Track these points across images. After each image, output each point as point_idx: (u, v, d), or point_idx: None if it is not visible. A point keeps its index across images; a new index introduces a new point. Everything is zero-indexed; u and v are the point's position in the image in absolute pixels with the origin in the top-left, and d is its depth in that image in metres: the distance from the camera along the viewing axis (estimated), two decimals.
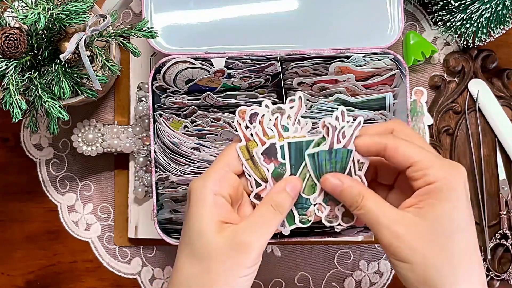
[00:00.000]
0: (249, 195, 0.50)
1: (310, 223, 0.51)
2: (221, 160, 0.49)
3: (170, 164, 0.62)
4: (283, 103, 0.63)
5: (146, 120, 0.68)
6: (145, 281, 0.72)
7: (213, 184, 0.47)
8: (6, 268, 0.72)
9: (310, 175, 0.50)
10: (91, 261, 0.72)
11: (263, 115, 0.49)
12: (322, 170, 0.49)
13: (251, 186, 0.50)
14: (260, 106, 0.50)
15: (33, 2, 0.53)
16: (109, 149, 0.68)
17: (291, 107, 0.50)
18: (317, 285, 0.73)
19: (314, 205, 0.50)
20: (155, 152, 0.62)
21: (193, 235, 0.47)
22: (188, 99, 0.63)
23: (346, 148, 0.49)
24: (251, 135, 0.49)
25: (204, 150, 0.62)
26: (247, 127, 0.50)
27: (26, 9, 0.51)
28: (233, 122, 0.62)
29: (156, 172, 0.62)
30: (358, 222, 0.51)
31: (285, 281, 0.73)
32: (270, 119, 0.50)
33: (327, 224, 0.51)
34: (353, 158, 0.49)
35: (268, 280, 0.73)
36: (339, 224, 0.51)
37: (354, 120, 0.48)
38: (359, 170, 0.49)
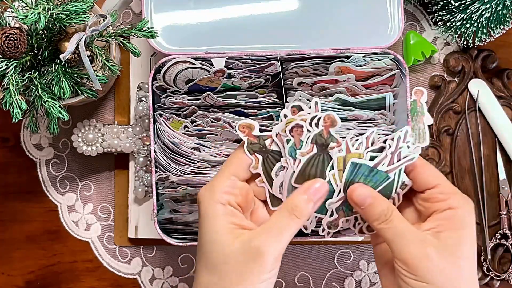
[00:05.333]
0: (260, 199, 0.50)
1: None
2: (228, 169, 0.49)
3: (170, 164, 0.62)
4: (283, 103, 0.63)
5: (146, 120, 0.68)
6: (145, 281, 0.72)
7: (221, 195, 0.47)
8: (6, 268, 0.72)
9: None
10: (91, 261, 0.72)
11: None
12: (354, 181, 0.49)
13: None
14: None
15: (33, 2, 0.53)
16: (109, 149, 0.68)
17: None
18: (317, 285, 0.73)
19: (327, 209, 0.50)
20: (155, 152, 0.62)
21: (207, 245, 0.46)
22: (188, 99, 0.63)
23: (387, 173, 0.49)
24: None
25: (204, 150, 0.62)
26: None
27: (26, 9, 0.51)
28: (233, 122, 0.62)
29: (156, 172, 0.62)
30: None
31: (285, 281, 0.73)
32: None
33: (326, 229, 0.51)
34: (400, 179, 0.49)
35: None
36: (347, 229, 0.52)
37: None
38: (400, 188, 0.50)
